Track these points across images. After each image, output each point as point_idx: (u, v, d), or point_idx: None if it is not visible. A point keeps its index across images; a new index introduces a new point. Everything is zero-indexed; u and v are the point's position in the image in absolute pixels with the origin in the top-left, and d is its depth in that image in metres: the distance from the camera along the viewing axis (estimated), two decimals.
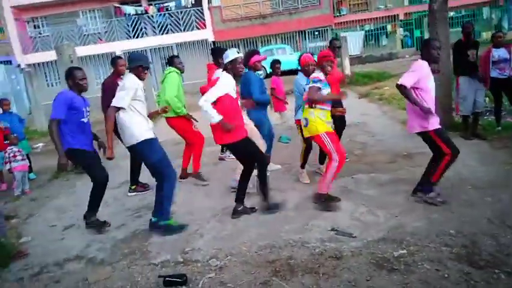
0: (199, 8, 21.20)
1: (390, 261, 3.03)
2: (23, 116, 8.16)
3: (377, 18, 22.56)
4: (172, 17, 21.28)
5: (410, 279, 2.78)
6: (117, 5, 21.58)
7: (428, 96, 3.91)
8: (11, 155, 6.07)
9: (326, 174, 4.12)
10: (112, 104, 3.86)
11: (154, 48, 21.05)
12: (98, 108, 5.26)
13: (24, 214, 5.19)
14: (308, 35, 22.14)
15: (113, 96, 3.92)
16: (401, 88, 3.85)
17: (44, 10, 21.45)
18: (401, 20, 22.77)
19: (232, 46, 20.40)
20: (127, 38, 21.20)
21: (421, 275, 2.81)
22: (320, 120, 4.12)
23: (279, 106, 7.18)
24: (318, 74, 4.15)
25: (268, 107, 5.62)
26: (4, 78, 15.73)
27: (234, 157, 4.54)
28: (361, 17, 22.58)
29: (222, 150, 6.49)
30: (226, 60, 3.96)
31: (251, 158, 4.08)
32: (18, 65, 19.73)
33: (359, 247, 3.29)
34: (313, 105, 4.12)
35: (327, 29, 21.97)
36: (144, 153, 3.95)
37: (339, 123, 5.34)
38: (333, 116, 5.28)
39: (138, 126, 3.88)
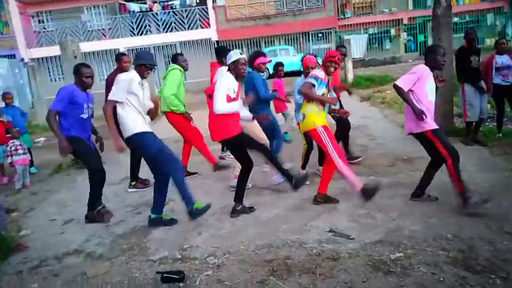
0: (203, 6, 21.23)
1: (387, 263, 3.05)
2: (26, 110, 8.20)
3: (381, 21, 22.57)
4: (176, 15, 21.32)
5: (406, 282, 2.80)
6: (122, 2, 21.63)
7: (425, 101, 3.92)
8: (13, 148, 6.10)
9: (345, 177, 4.02)
10: (108, 99, 3.94)
11: (158, 46, 21.08)
12: (102, 104, 5.30)
13: (25, 208, 5.22)
14: (312, 36, 22.16)
15: None
16: (397, 88, 3.89)
17: (49, 5, 21.51)
18: (405, 24, 22.76)
19: (236, 46, 20.46)
20: (131, 35, 21.23)
21: (417, 278, 2.83)
22: (317, 114, 4.12)
23: (280, 106, 7.20)
24: (317, 72, 4.18)
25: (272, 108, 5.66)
26: (8, 72, 15.75)
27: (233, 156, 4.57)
28: (365, 20, 22.59)
29: (223, 150, 6.51)
30: (229, 61, 4.02)
31: (252, 149, 4.10)
32: (22, 59, 19.76)
33: (356, 249, 3.31)
34: (310, 100, 4.14)
35: (331, 31, 21.98)
36: (141, 146, 3.98)
37: (342, 125, 5.35)
38: (337, 119, 5.31)
39: (133, 120, 3.93)
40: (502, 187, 4.33)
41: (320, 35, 22.11)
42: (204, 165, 5.88)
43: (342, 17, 22.52)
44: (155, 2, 21.60)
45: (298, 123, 5.11)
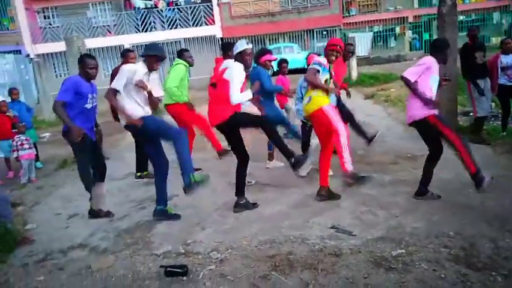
0: (208, 3, 21.23)
1: (388, 260, 3.07)
2: (31, 106, 8.25)
3: (386, 19, 22.48)
4: (181, 12, 21.33)
5: (407, 278, 2.82)
6: None
7: (428, 93, 3.94)
8: (19, 143, 6.16)
9: (341, 153, 3.99)
10: (109, 87, 3.99)
11: (162, 43, 21.03)
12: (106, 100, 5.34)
13: (30, 202, 5.28)
14: (316, 34, 22.12)
15: None
16: (405, 79, 3.92)
17: (55, 1, 21.58)
18: (410, 23, 22.65)
19: None
20: (136, 32, 21.27)
21: (418, 275, 2.85)
22: (323, 96, 4.15)
23: (282, 101, 7.21)
24: (320, 59, 4.22)
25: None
26: (13, 67, 15.87)
27: None
28: (370, 18, 22.50)
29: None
30: (235, 51, 4.02)
31: (250, 125, 4.10)
32: (28, 55, 19.86)
33: (358, 245, 3.33)
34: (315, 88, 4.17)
35: (335, 29, 21.93)
36: (141, 127, 3.98)
37: (347, 116, 5.32)
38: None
39: (131, 109, 3.97)
40: (504, 185, 4.33)
41: (325, 32, 22.06)
42: (207, 161, 5.92)
43: (347, 14, 22.45)
44: None
45: (302, 121, 5.16)
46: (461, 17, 19.77)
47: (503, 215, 3.66)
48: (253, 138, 4.87)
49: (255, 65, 5.06)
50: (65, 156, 6.98)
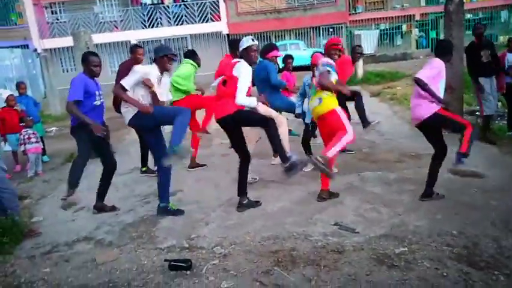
0: (214, 0, 21.22)
1: (391, 257, 3.09)
2: (38, 100, 8.31)
3: (392, 17, 22.34)
4: (187, 8, 21.33)
5: (409, 276, 2.83)
6: None
7: (438, 94, 3.93)
8: (26, 137, 6.23)
9: (336, 141, 4.01)
10: (120, 82, 4.04)
11: (168, 39, 21.13)
12: (112, 96, 5.37)
13: (37, 195, 5.34)
14: (322, 31, 22.04)
15: None
16: (419, 81, 3.88)
17: None
18: (416, 21, 22.50)
19: None
20: (142, 28, 21.31)
21: (420, 273, 2.87)
22: (333, 97, 4.20)
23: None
24: (327, 59, 4.25)
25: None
26: (21, 62, 15.99)
27: None
28: (376, 15, 22.37)
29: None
30: (241, 48, 4.03)
31: (253, 124, 4.11)
32: (35, 50, 19.99)
33: (361, 242, 3.35)
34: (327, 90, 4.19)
35: (341, 26, 21.84)
36: (143, 118, 4.01)
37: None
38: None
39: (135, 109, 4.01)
40: (509, 185, 4.32)
41: (331, 30, 21.97)
42: (212, 157, 5.95)
43: (353, 12, 22.34)
44: None
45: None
46: (468, 16, 19.63)
47: (507, 214, 3.66)
48: (257, 135, 4.89)
49: (261, 59, 5.11)
50: (72, 150, 7.00)
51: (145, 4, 21.41)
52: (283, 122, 4.79)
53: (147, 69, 4.06)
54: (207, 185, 5.13)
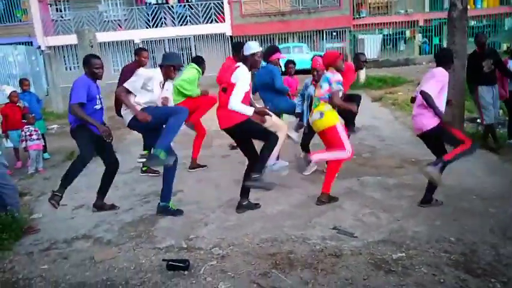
0: (219, 1, 21.26)
1: (389, 262, 3.09)
2: (41, 97, 8.34)
3: (396, 22, 22.33)
4: (192, 8, 21.37)
5: (406, 282, 2.84)
6: None
7: (440, 106, 3.94)
8: (28, 133, 6.25)
9: (329, 152, 4.26)
10: (123, 85, 4.03)
11: (172, 39, 21.19)
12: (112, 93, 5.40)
13: (37, 192, 5.36)
14: (326, 35, 22.05)
15: None
16: (426, 95, 3.86)
17: None
18: (420, 26, 22.50)
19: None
20: (146, 27, 21.36)
21: (417, 278, 2.87)
22: (334, 112, 4.24)
23: None
24: (337, 76, 4.25)
25: None
26: (24, 58, 16.03)
27: None
28: (380, 20, 22.37)
29: None
30: (247, 52, 3.98)
31: (256, 137, 4.07)
32: (39, 47, 20.05)
33: (359, 247, 3.35)
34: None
35: (345, 30, 21.85)
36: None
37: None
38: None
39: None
40: (508, 193, 4.33)
41: (334, 33, 21.98)
42: (213, 158, 5.96)
43: (357, 16, 22.34)
44: None
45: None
46: (472, 23, 19.61)
47: (506, 222, 3.66)
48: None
49: (265, 63, 5.12)
50: (72, 148, 7.00)
51: (150, 4, 21.47)
52: (284, 129, 4.74)
53: (150, 73, 4.06)
54: (207, 186, 5.15)
